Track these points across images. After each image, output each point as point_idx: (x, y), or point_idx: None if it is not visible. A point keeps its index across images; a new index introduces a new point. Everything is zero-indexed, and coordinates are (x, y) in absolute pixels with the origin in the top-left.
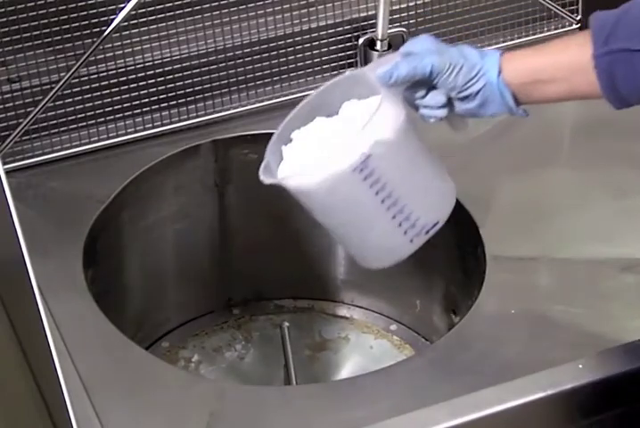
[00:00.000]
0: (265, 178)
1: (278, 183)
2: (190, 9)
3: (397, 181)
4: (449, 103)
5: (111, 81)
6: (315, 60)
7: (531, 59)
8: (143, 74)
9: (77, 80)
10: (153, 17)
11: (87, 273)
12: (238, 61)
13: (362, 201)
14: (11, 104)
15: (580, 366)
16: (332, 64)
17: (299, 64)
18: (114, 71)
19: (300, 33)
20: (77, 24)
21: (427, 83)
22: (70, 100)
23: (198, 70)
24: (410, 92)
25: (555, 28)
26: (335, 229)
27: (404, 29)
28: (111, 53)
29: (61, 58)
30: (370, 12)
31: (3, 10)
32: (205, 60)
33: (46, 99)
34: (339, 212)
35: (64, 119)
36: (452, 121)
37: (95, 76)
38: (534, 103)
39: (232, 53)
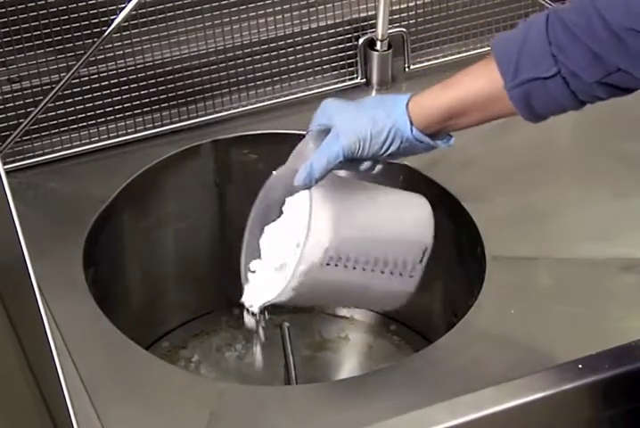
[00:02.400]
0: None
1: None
2: (190, 9)
3: (367, 249)
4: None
5: (112, 81)
6: (316, 60)
7: (441, 101)
8: (143, 74)
9: (77, 80)
10: (153, 17)
11: (87, 273)
12: (238, 61)
13: (346, 279)
14: (11, 104)
15: (580, 366)
16: (332, 64)
17: (299, 64)
18: (114, 71)
19: (300, 33)
20: (77, 24)
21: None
22: (71, 100)
23: (198, 70)
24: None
25: None
26: (339, 302)
27: (404, 29)
28: (112, 54)
29: (62, 58)
30: (370, 12)
31: (3, 10)
32: (205, 60)
33: (47, 99)
34: (332, 294)
35: (64, 119)
36: None
37: (96, 76)
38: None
39: (232, 54)
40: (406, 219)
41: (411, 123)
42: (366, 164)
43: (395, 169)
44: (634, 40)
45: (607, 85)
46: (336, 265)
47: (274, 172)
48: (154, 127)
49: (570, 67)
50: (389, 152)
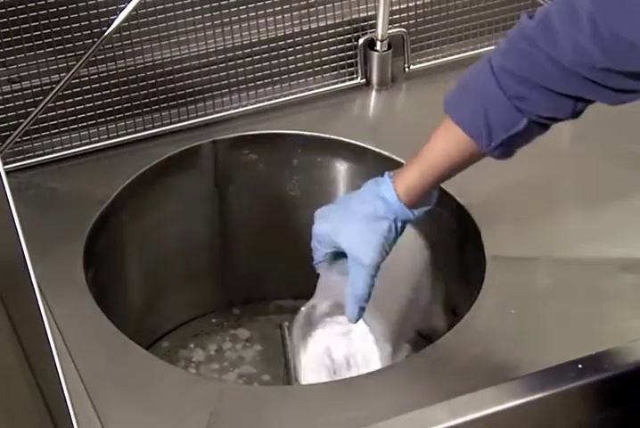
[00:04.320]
0: None
1: None
2: (190, 9)
3: None
4: None
5: (112, 81)
6: (315, 60)
7: (425, 181)
8: (143, 74)
9: (77, 80)
10: (153, 17)
11: (87, 273)
12: (238, 61)
13: None
14: (11, 104)
15: (580, 366)
16: (332, 64)
17: (299, 64)
18: (114, 71)
19: (301, 33)
20: (77, 24)
21: None
22: (71, 100)
23: (198, 71)
24: None
25: None
26: None
27: (404, 29)
28: (112, 54)
29: (62, 58)
30: (370, 12)
31: (3, 10)
32: (205, 60)
33: (47, 99)
34: None
35: (64, 119)
36: None
37: (96, 76)
38: None
39: (232, 54)
40: None
41: (409, 208)
42: None
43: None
44: (587, 72)
45: (580, 111)
46: None
47: (302, 309)
48: (154, 127)
49: (540, 113)
50: (400, 235)
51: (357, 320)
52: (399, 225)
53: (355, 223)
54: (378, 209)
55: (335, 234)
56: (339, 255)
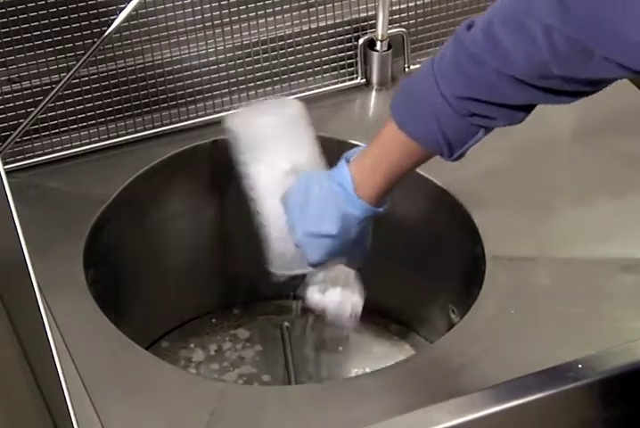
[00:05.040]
0: None
1: None
2: (190, 9)
3: None
4: None
5: (112, 81)
6: (315, 60)
7: (385, 183)
8: (143, 74)
9: (77, 80)
10: (153, 17)
11: (87, 273)
12: (238, 61)
13: None
14: (11, 104)
15: (580, 366)
16: (332, 64)
17: (299, 64)
18: (114, 72)
19: (300, 33)
20: (77, 24)
21: None
22: (71, 100)
23: (198, 71)
24: None
25: None
26: None
27: (404, 29)
28: (112, 54)
29: (62, 58)
30: (370, 13)
31: (3, 10)
32: (205, 60)
33: (47, 99)
34: None
35: (64, 119)
36: None
37: (96, 76)
38: None
39: (232, 54)
40: None
41: (375, 207)
42: None
43: None
44: (543, 82)
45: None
46: None
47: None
48: (154, 127)
49: (495, 126)
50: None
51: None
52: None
53: (349, 246)
54: (366, 227)
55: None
56: None
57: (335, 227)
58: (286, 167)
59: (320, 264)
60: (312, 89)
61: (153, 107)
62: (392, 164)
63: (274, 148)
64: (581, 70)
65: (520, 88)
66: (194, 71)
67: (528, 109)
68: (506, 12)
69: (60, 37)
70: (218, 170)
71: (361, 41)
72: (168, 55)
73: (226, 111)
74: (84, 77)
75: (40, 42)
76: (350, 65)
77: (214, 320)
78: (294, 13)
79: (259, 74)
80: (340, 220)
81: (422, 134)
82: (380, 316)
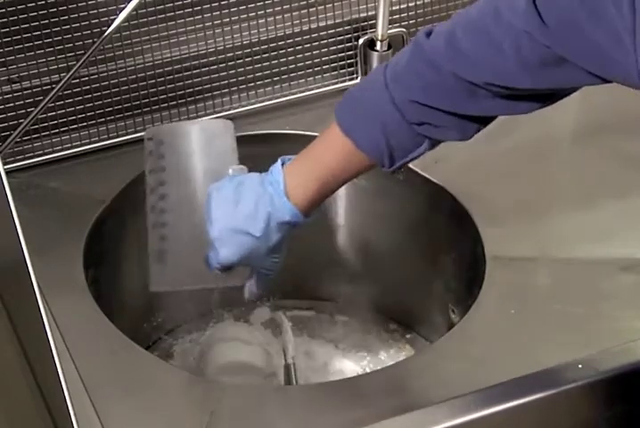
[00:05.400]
0: None
1: None
2: (190, 9)
3: None
4: None
5: (112, 81)
6: (315, 60)
7: (319, 189)
8: (143, 74)
9: (77, 80)
10: (153, 17)
11: (87, 273)
12: (238, 61)
13: None
14: (11, 104)
15: (580, 366)
16: (332, 64)
17: (299, 64)
18: (114, 72)
19: (300, 33)
20: (77, 24)
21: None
22: (71, 100)
23: (198, 71)
24: None
25: None
26: None
27: (404, 29)
28: (112, 54)
29: (62, 58)
30: (370, 12)
31: (3, 10)
32: (205, 60)
33: (47, 99)
34: None
35: (64, 120)
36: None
37: (96, 76)
38: None
39: (232, 54)
40: None
41: (304, 214)
42: None
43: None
44: (507, 91)
45: (477, 132)
46: None
47: None
48: None
49: (443, 138)
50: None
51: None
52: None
53: (267, 250)
54: (288, 232)
55: (247, 260)
56: None
57: (260, 227)
58: (201, 180)
59: (230, 266)
60: (312, 89)
61: (153, 107)
62: (328, 171)
63: (194, 161)
64: (548, 79)
65: (477, 97)
66: (194, 71)
67: (480, 121)
68: (471, 21)
69: (60, 37)
70: None
71: (361, 41)
72: (168, 55)
73: (226, 110)
74: (84, 77)
75: (40, 42)
76: (350, 65)
77: (214, 320)
78: (294, 13)
79: (259, 74)
80: (265, 221)
81: (366, 140)
82: (380, 316)
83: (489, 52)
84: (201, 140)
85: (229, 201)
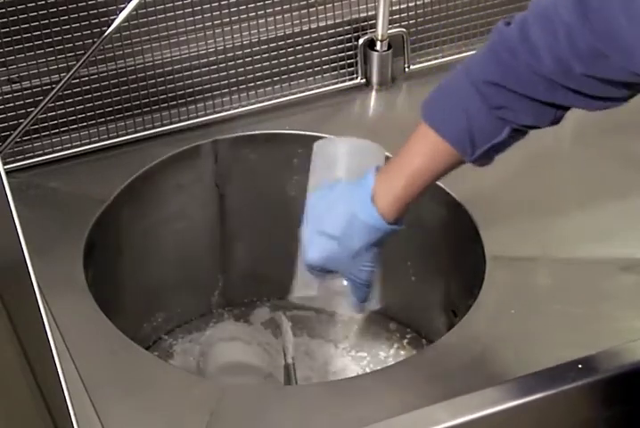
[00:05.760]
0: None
1: None
2: (190, 9)
3: None
4: None
5: (112, 81)
6: (315, 60)
7: (408, 195)
8: (143, 74)
9: (77, 80)
10: (154, 17)
11: (87, 273)
12: (238, 61)
13: None
14: (11, 104)
15: (580, 366)
16: (332, 64)
17: (299, 64)
18: (114, 71)
19: (301, 33)
20: (77, 24)
21: None
22: (71, 100)
23: (198, 71)
24: None
25: None
26: None
27: (404, 29)
28: (112, 54)
29: (62, 58)
30: (370, 12)
31: (3, 10)
32: (205, 60)
33: (47, 99)
34: None
35: (64, 119)
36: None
37: (96, 76)
38: None
39: (232, 54)
40: None
41: (390, 223)
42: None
43: None
44: (569, 81)
45: (560, 118)
46: None
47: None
48: (154, 127)
49: (522, 122)
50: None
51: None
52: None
53: (350, 255)
54: (371, 238)
55: (330, 264)
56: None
57: (339, 227)
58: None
59: (316, 267)
60: (312, 89)
61: (153, 107)
62: (413, 171)
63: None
64: (601, 70)
65: (548, 85)
66: (194, 71)
67: (557, 108)
68: (539, 9)
69: (60, 37)
70: (218, 170)
71: (361, 41)
72: (168, 55)
73: (226, 110)
74: (84, 77)
75: (40, 42)
76: (350, 65)
77: (214, 320)
78: (294, 13)
79: (259, 74)
80: (346, 222)
81: (449, 127)
82: (380, 316)
83: (548, 38)
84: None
85: (322, 205)
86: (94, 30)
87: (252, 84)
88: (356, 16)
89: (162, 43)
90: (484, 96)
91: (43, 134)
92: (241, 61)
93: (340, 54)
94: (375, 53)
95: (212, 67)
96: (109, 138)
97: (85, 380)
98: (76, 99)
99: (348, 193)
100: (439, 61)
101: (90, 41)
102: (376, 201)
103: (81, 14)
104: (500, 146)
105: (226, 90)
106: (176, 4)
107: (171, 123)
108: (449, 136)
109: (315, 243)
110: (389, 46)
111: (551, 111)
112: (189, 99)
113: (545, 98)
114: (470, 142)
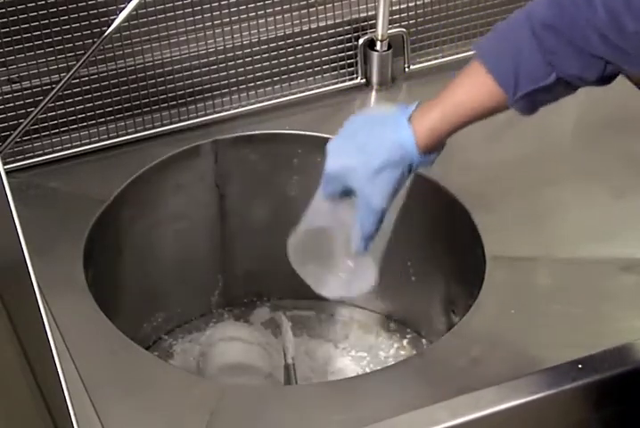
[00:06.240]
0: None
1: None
2: (190, 9)
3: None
4: None
5: (112, 81)
6: (315, 60)
7: (449, 126)
8: (143, 74)
9: (77, 80)
10: (153, 17)
11: (87, 273)
12: (238, 61)
13: None
14: (11, 104)
15: (580, 366)
16: (332, 64)
17: (299, 64)
18: (114, 71)
19: (300, 33)
20: (77, 24)
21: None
22: (71, 100)
23: (198, 71)
24: None
25: None
26: None
27: (404, 29)
28: (112, 54)
29: (62, 58)
30: (370, 12)
31: (3, 10)
32: (205, 60)
33: (47, 99)
34: None
35: (64, 119)
36: None
37: (96, 76)
38: None
39: (232, 54)
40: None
41: (423, 154)
42: None
43: None
44: (619, 37)
45: (608, 77)
46: None
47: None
48: (154, 127)
49: (570, 70)
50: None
51: (364, 252)
52: (412, 171)
53: (370, 169)
54: (395, 156)
55: (348, 176)
56: (347, 191)
57: (366, 139)
58: None
59: (333, 180)
60: (312, 89)
61: (153, 107)
62: (455, 100)
63: None
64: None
65: (603, 41)
66: (194, 71)
67: (605, 64)
68: None
69: (60, 37)
70: (218, 170)
71: (361, 41)
72: (168, 55)
73: (226, 111)
74: (84, 77)
75: (40, 42)
76: (350, 65)
77: (214, 320)
78: (294, 13)
79: (259, 74)
80: (375, 136)
81: (498, 64)
82: (380, 316)
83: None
84: None
85: (359, 119)
86: (94, 30)
87: (252, 84)
88: (356, 16)
89: (162, 43)
90: (539, 39)
91: (43, 134)
92: (241, 61)
93: (340, 54)
94: (375, 53)
95: (212, 67)
96: (109, 138)
97: (85, 380)
98: (76, 99)
99: (388, 113)
100: (439, 61)
101: (90, 41)
102: (412, 125)
103: (81, 14)
104: (544, 93)
105: (226, 90)
106: (176, 4)
107: (171, 123)
108: (497, 73)
109: (339, 151)
110: (389, 46)
111: (599, 64)
112: (189, 99)
113: (595, 51)
114: (515, 81)
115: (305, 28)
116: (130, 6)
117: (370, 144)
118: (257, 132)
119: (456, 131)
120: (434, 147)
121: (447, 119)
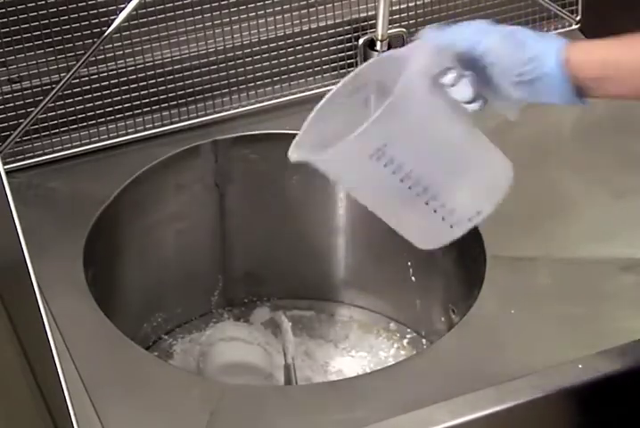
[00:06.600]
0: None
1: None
2: (190, 9)
3: (423, 169)
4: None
5: (112, 81)
6: (315, 60)
7: (603, 51)
8: (143, 74)
9: (77, 80)
10: (153, 17)
11: (87, 273)
12: (238, 61)
13: (388, 186)
14: (11, 104)
15: (580, 366)
16: (332, 64)
17: (299, 64)
18: (114, 71)
19: (301, 33)
20: (77, 24)
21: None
22: (71, 100)
23: (198, 71)
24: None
25: (555, 29)
26: (376, 208)
27: (404, 29)
28: (112, 54)
29: (62, 58)
30: (370, 12)
31: (3, 10)
32: (205, 60)
33: (47, 99)
34: (369, 196)
35: (64, 119)
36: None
37: (96, 76)
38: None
39: (232, 54)
40: (482, 174)
41: (563, 62)
42: (468, 92)
43: None
44: None
45: None
46: (385, 165)
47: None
48: (154, 127)
49: None
50: (521, 77)
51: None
52: (537, 61)
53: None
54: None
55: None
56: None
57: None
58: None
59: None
60: (312, 89)
61: (153, 107)
62: (621, 51)
63: None
64: None
65: None
66: (194, 71)
67: None
68: None
69: (60, 37)
70: (218, 170)
71: (361, 41)
72: (168, 55)
73: (226, 111)
74: (84, 77)
75: (40, 42)
76: (350, 65)
77: (214, 320)
78: (294, 13)
79: (259, 74)
80: (519, 40)
81: None
82: (380, 316)
83: None
84: None
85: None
86: (94, 30)
87: (252, 84)
88: (356, 16)
89: (162, 43)
90: None
91: (43, 134)
92: (241, 61)
93: (340, 54)
94: (375, 53)
95: (212, 67)
96: (109, 138)
97: (85, 380)
98: (76, 99)
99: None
100: None
101: (90, 41)
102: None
103: (81, 14)
104: None
105: (226, 90)
106: (176, 4)
107: (171, 123)
108: None
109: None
110: (389, 46)
111: None
112: (189, 99)
113: None
114: None
115: (305, 28)
116: (130, 6)
117: (515, 35)
118: (257, 132)
119: (604, 79)
120: (579, 92)
121: (604, 71)
